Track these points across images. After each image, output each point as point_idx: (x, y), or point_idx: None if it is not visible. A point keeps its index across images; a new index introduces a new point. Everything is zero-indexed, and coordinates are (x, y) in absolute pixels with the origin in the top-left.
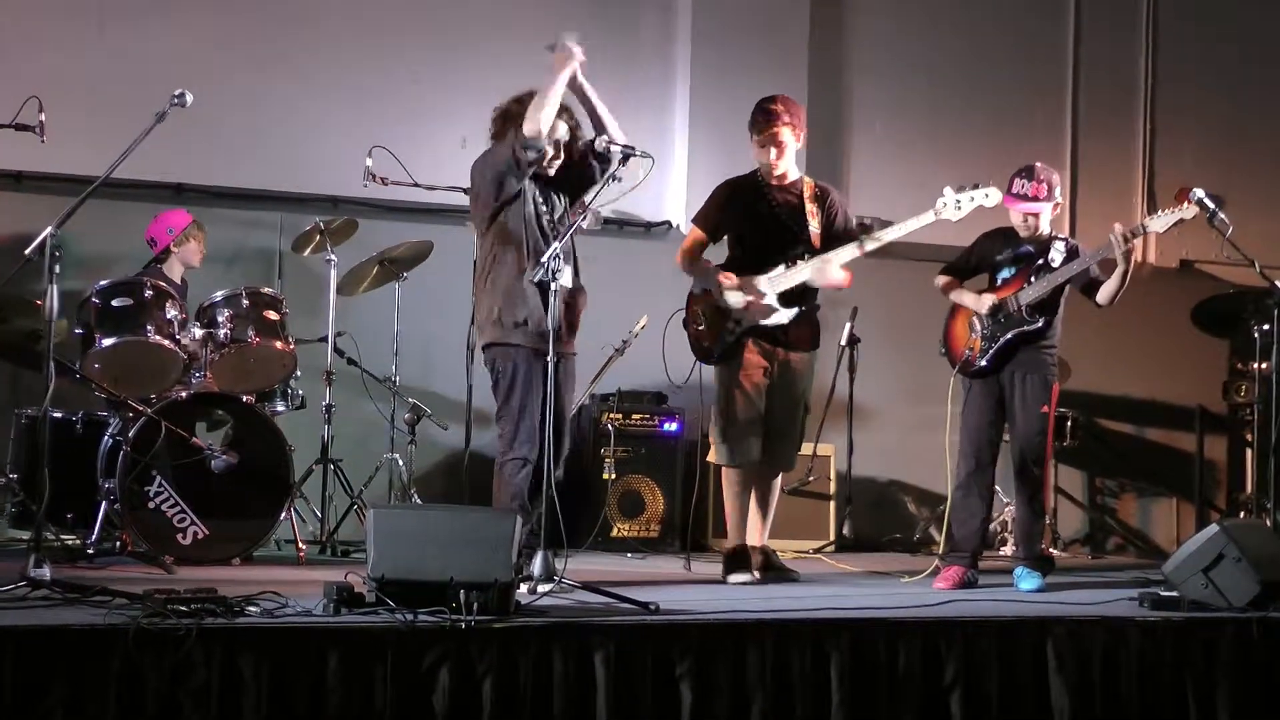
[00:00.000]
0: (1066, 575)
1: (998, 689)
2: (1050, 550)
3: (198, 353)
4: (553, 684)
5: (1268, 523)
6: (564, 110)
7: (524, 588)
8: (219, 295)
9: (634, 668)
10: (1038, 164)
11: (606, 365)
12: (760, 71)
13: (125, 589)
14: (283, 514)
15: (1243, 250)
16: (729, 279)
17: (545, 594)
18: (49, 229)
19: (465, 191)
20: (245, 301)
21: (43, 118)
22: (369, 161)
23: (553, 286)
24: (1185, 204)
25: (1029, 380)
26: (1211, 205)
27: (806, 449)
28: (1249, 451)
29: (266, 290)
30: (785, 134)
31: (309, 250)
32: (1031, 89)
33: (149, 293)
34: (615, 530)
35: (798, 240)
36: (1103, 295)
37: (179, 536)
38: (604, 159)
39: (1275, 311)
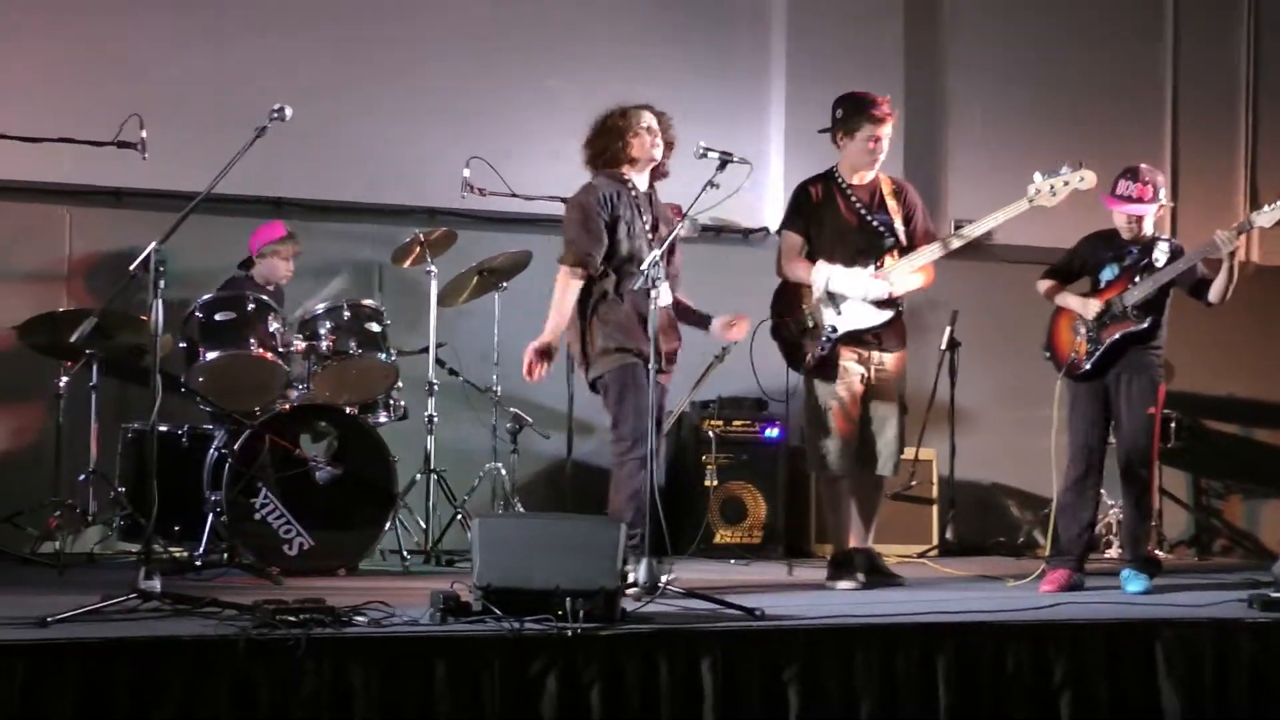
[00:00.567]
0: (1173, 577)
1: (1107, 692)
2: (1156, 552)
3: (300, 365)
4: (659, 691)
5: None
6: (644, 105)
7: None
8: (320, 308)
9: (740, 673)
10: (1142, 165)
11: (707, 372)
12: (856, 73)
13: (234, 600)
14: (387, 524)
15: None
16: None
17: (651, 600)
18: (153, 244)
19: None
20: (347, 314)
21: (144, 134)
22: (466, 173)
23: (653, 294)
24: None
25: (1135, 382)
26: None
27: (908, 453)
28: None
29: (367, 302)
30: (889, 129)
31: (409, 262)
32: (1131, 86)
33: (251, 306)
34: (718, 537)
35: (883, 240)
36: (1214, 294)
37: (285, 548)
38: None
39: None
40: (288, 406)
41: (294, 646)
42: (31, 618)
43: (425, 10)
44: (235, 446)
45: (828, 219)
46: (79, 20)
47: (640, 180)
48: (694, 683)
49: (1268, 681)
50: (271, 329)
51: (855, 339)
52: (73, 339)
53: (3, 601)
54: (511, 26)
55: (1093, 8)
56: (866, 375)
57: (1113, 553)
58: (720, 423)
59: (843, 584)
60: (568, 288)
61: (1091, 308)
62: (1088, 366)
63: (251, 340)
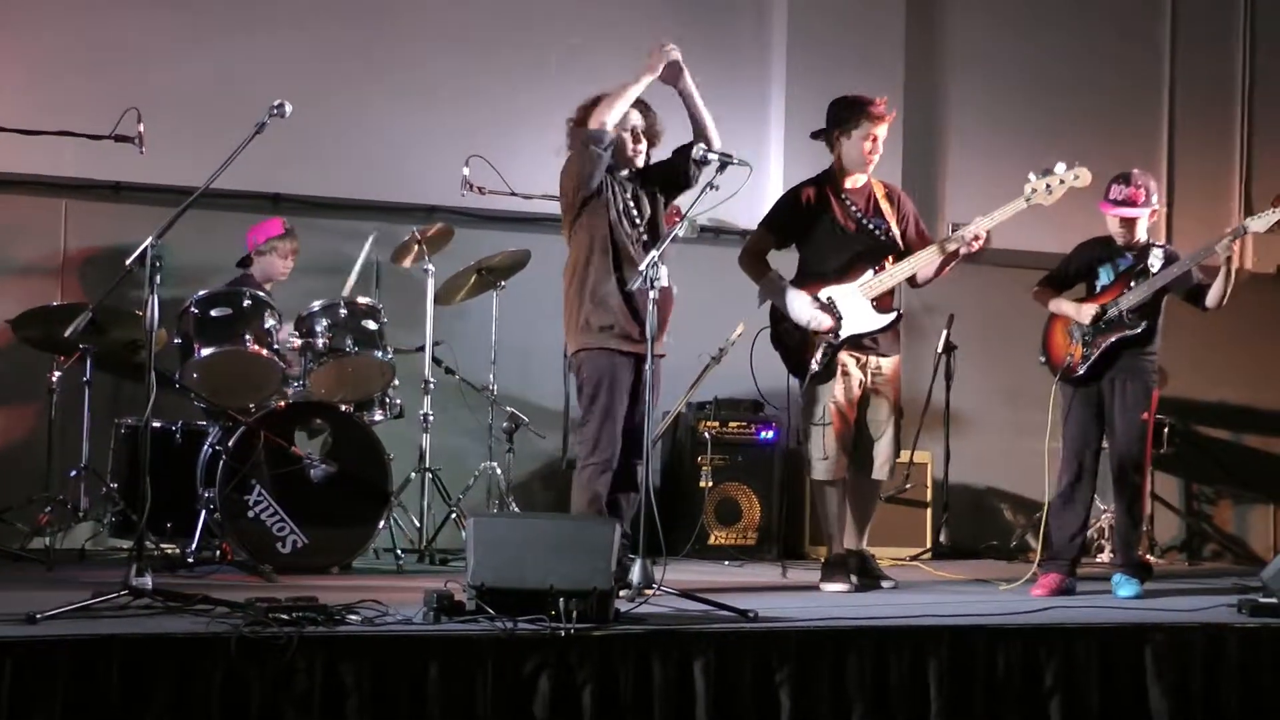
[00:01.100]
0: (1163, 582)
1: (1097, 696)
2: (1148, 557)
3: (296, 363)
4: (652, 691)
5: None
6: (637, 101)
7: (623, 595)
8: (317, 305)
9: (733, 675)
10: (1135, 170)
11: (703, 374)
12: (856, 76)
13: (226, 598)
14: (381, 523)
15: None
16: (808, 307)
17: (644, 601)
18: (149, 239)
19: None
20: (343, 311)
21: (141, 129)
22: (466, 171)
23: (651, 294)
24: None
25: (1129, 387)
26: None
27: (903, 456)
28: None
29: (364, 300)
30: (885, 129)
31: (407, 260)
32: (1128, 90)
33: (247, 303)
34: (712, 538)
35: (880, 245)
36: (1211, 299)
37: (279, 545)
38: (700, 165)
39: None
40: (283, 404)
41: (286, 645)
42: (21, 614)
43: (426, 7)
44: (229, 443)
45: (822, 224)
46: (78, 14)
47: (623, 171)
48: (687, 684)
49: (1256, 686)
50: (267, 325)
51: (854, 343)
52: (66, 334)
53: None
54: (511, 24)
55: (1090, 14)
56: (864, 379)
57: (1104, 557)
58: (716, 424)
59: (835, 586)
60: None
61: (1086, 313)
62: (1082, 371)
63: (247, 337)
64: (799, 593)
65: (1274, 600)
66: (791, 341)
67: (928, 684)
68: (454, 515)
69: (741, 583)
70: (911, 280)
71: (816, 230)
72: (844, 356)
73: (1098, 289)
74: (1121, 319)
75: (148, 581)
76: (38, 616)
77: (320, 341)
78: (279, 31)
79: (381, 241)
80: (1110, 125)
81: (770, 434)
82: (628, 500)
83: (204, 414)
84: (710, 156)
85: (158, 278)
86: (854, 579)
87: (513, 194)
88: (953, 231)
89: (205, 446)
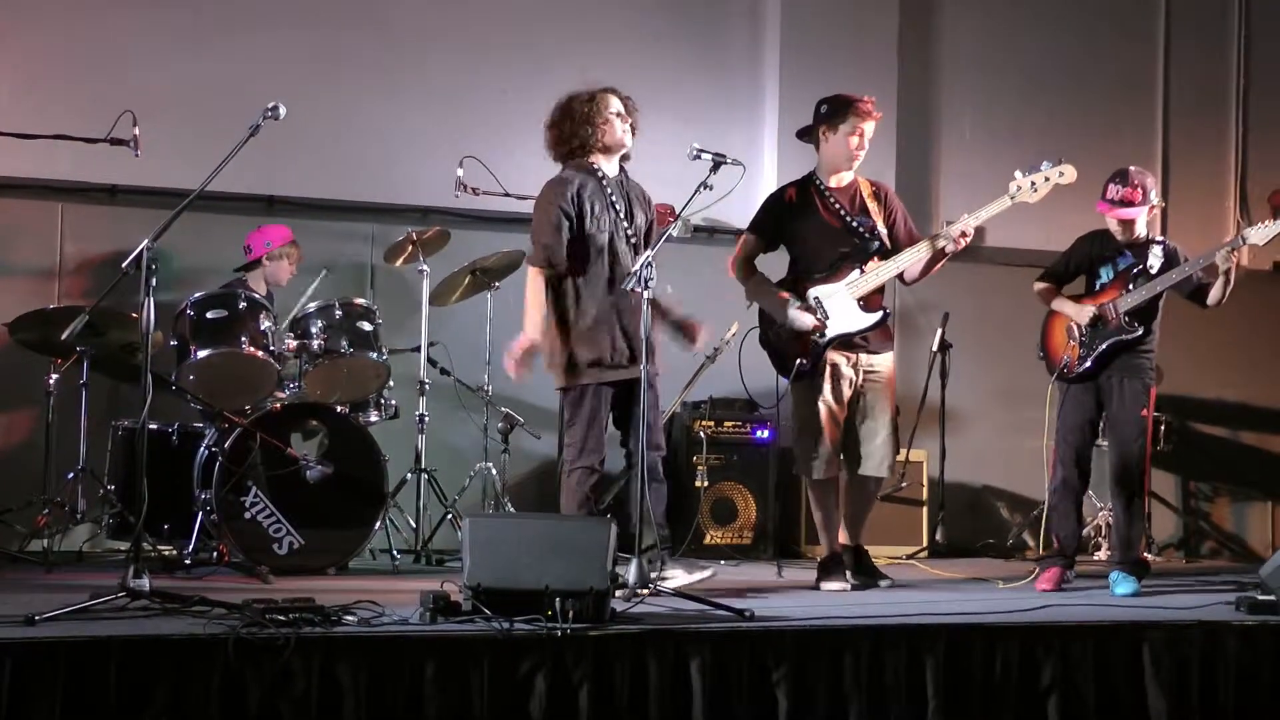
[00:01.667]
0: (1161, 580)
1: (1094, 694)
2: (1145, 555)
3: (291, 364)
4: (648, 691)
5: None
6: (609, 89)
7: (619, 594)
8: (312, 306)
9: (729, 674)
10: (1131, 168)
11: (698, 373)
12: (849, 77)
13: (223, 599)
14: (377, 524)
15: None
16: (793, 306)
17: (640, 601)
18: (145, 242)
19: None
20: (338, 312)
21: (137, 132)
22: (460, 172)
23: (645, 295)
24: None
25: (1127, 385)
26: None
27: (899, 455)
28: None
29: (359, 301)
30: (872, 127)
31: (401, 261)
32: (1122, 91)
33: (243, 304)
34: (708, 537)
35: (866, 243)
36: (1211, 299)
37: (275, 547)
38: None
39: None
40: (278, 405)
41: (283, 646)
42: (19, 616)
43: (419, 9)
44: (226, 445)
45: (808, 223)
46: (72, 17)
47: (609, 167)
48: (683, 683)
49: (1254, 683)
50: (263, 327)
51: (844, 343)
52: (63, 336)
53: None
54: (504, 26)
55: (1085, 12)
56: (855, 378)
57: (1101, 555)
58: (711, 424)
59: (832, 585)
60: (539, 286)
61: (1085, 313)
62: (1081, 369)
63: (243, 338)
64: (795, 592)
65: (1272, 598)
66: (779, 342)
67: (924, 683)
68: (450, 516)
69: (738, 582)
70: (901, 278)
71: (802, 230)
72: (834, 356)
73: (1097, 287)
74: (1119, 322)
75: (145, 583)
76: (36, 618)
77: (315, 343)
78: (273, 34)
79: (376, 241)
80: (1105, 123)
81: (766, 433)
82: (655, 493)
83: (200, 415)
84: (704, 156)
85: (154, 280)
86: (850, 578)
87: (507, 195)
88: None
89: (202, 448)
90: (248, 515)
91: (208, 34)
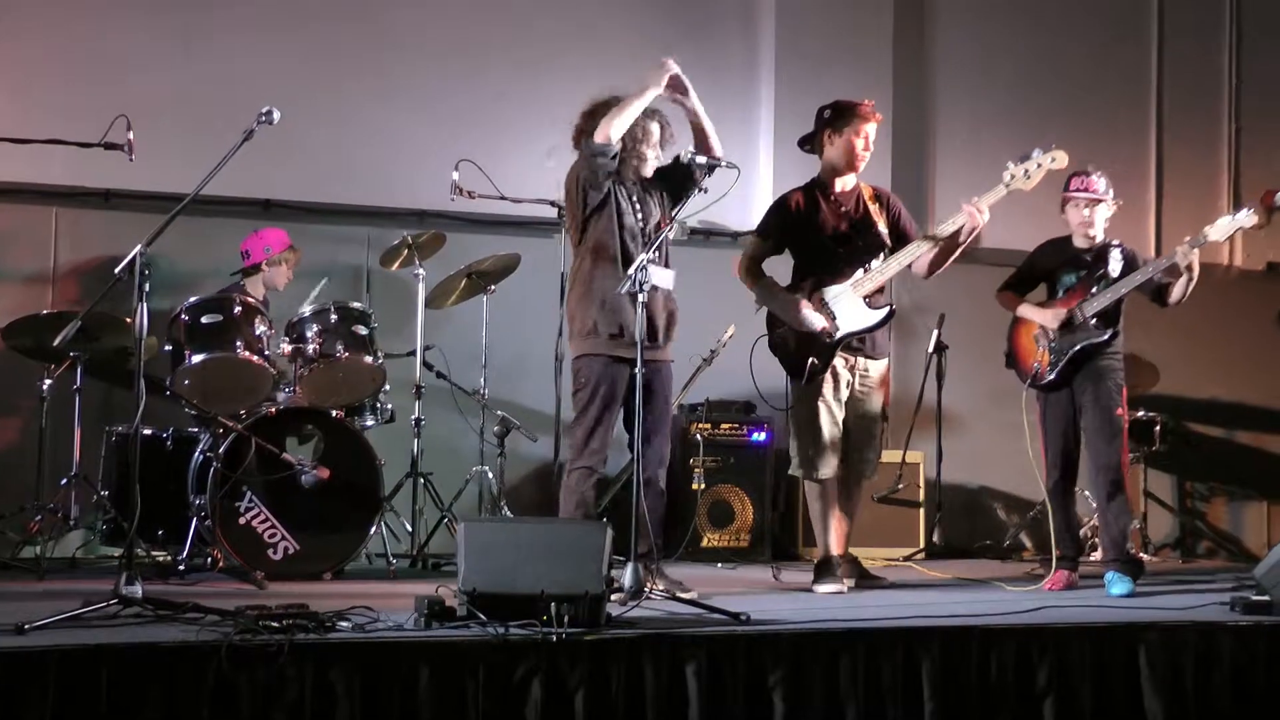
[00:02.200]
0: (1157, 580)
1: (1090, 695)
2: (1140, 554)
3: (286, 368)
4: (645, 695)
5: None
6: (654, 113)
7: (615, 599)
8: (307, 310)
9: (725, 678)
10: (1089, 165)
11: (695, 375)
12: (845, 79)
13: (217, 605)
14: (373, 528)
15: None
16: (805, 306)
17: (636, 605)
18: (139, 247)
19: (557, 204)
20: (334, 316)
21: (131, 136)
22: (456, 175)
23: (640, 297)
24: (1246, 210)
25: (1100, 387)
26: None
27: (895, 456)
28: None
29: (355, 305)
30: (874, 128)
31: (397, 265)
32: (1115, 92)
33: (238, 309)
34: (705, 540)
35: (870, 243)
36: (1172, 298)
37: (270, 552)
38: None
39: None
40: (274, 409)
41: (277, 652)
42: (10, 624)
43: (414, 12)
44: (220, 450)
45: (814, 227)
46: (66, 21)
47: (638, 170)
48: (679, 687)
49: (1249, 684)
50: (258, 332)
51: (845, 345)
52: (56, 342)
53: None
54: (500, 29)
55: (1078, 12)
56: (851, 381)
57: (1097, 556)
58: (708, 426)
59: (828, 588)
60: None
61: (1053, 317)
62: (1052, 377)
63: (238, 343)
64: (792, 595)
65: (1267, 598)
66: (789, 345)
67: (921, 685)
68: (446, 520)
69: (735, 585)
70: (911, 270)
71: (808, 234)
72: (834, 358)
73: (1060, 293)
74: (1086, 325)
75: (138, 590)
76: (26, 627)
77: (311, 347)
78: (268, 37)
79: (372, 245)
80: (1099, 123)
81: (762, 436)
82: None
83: (195, 420)
84: (699, 159)
85: (147, 285)
86: (847, 580)
87: (502, 198)
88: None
89: (196, 453)
90: (242, 520)
91: (202, 38)
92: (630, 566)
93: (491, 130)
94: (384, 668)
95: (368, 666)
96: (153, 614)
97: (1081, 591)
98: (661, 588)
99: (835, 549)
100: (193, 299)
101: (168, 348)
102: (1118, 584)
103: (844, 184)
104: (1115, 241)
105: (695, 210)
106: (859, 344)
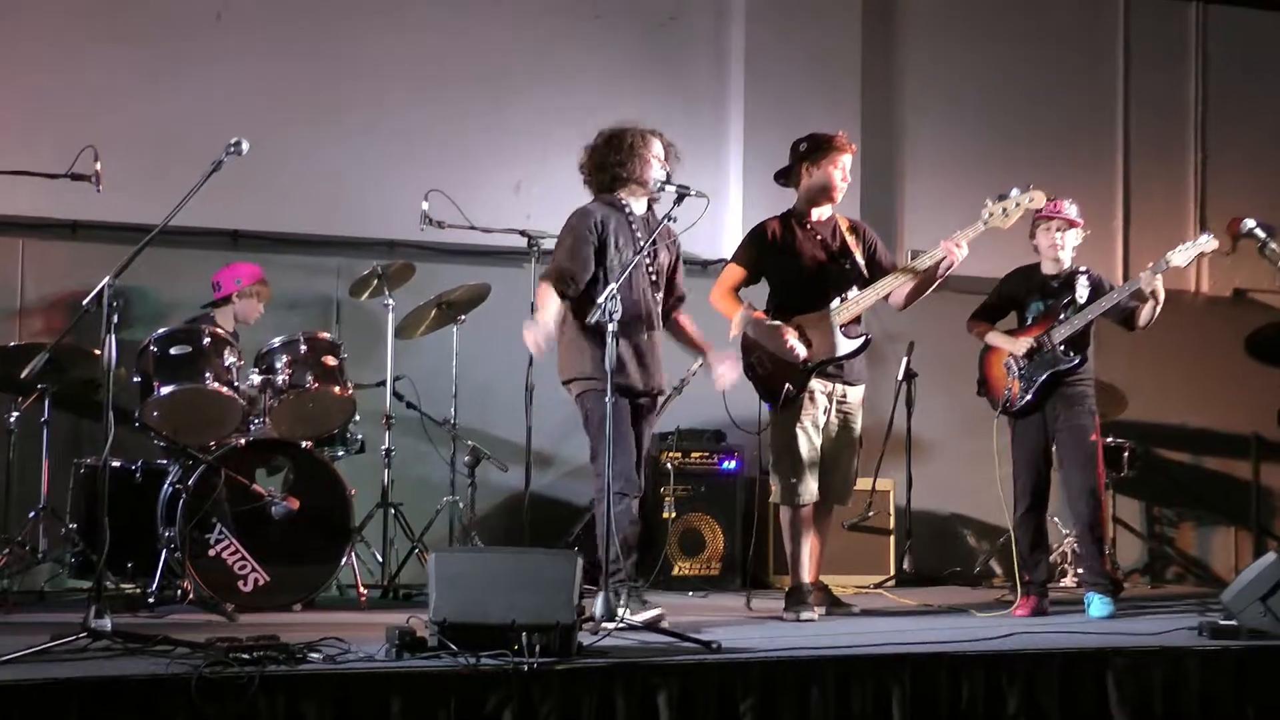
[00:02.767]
0: (1126, 605)
1: None
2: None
3: (256, 399)
4: None
5: None
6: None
7: (586, 628)
8: (277, 341)
9: (697, 707)
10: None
11: (665, 404)
12: (813, 109)
13: (187, 638)
14: (344, 559)
15: None
16: (790, 333)
17: (607, 634)
18: (107, 279)
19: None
20: (303, 347)
21: (98, 167)
22: (425, 205)
23: (610, 327)
24: (1205, 235)
25: (1072, 414)
26: (1263, 234)
27: (865, 484)
28: None
29: (324, 335)
30: (850, 160)
31: (366, 295)
32: (1082, 122)
33: (207, 340)
34: (676, 569)
35: (846, 273)
36: (1140, 322)
37: (240, 584)
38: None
39: None
40: (243, 441)
41: (247, 684)
42: None
43: (383, 43)
44: (190, 481)
45: (791, 257)
46: (32, 53)
47: (638, 205)
48: (650, 716)
49: (1217, 708)
50: (227, 363)
51: (822, 371)
52: (24, 374)
53: None
54: (469, 60)
55: (1043, 38)
56: (829, 407)
57: (1068, 581)
58: (679, 455)
59: (800, 615)
60: (548, 299)
61: (1020, 345)
62: (1023, 403)
63: (207, 374)
64: (763, 623)
65: (1234, 623)
66: (764, 371)
67: (891, 713)
68: (417, 550)
69: (706, 614)
70: (888, 302)
71: (785, 263)
72: (812, 384)
73: (1029, 320)
74: (1055, 353)
75: (107, 623)
76: None
77: (280, 378)
78: (236, 68)
79: (341, 276)
80: (1066, 148)
81: (733, 464)
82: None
83: (164, 452)
84: (668, 188)
85: (115, 317)
86: (818, 608)
87: (472, 228)
88: (912, 258)
89: (166, 485)
90: (212, 552)
91: (169, 70)
92: (601, 595)
93: (461, 161)
94: (355, 699)
95: (339, 698)
96: (122, 647)
97: (1051, 618)
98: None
99: (807, 576)
100: (161, 330)
101: (136, 379)
102: (1099, 606)
103: (820, 214)
104: (1083, 268)
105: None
106: (837, 370)
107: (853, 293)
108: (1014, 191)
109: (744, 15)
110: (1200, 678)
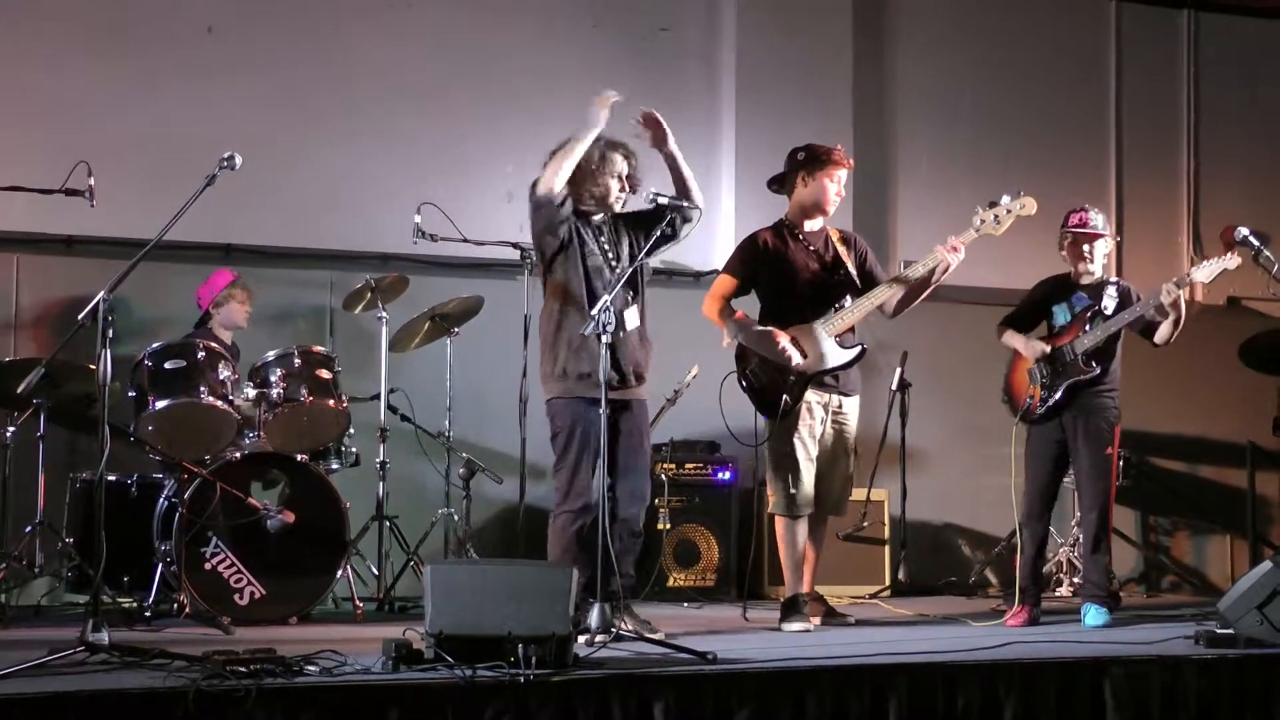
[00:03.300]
0: (1122, 614)
1: None
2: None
3: (251, 413)
4: None
5: None
6: (620, 146)
7: (581, 640)
8: (271, 355)
9: (693, 718)
10: (1085, 204)
11: (659, 415)
12: (805, 119)
13: (183, 651)
14: (339, 572)
15: None
16: (783, 337)
17: (603, 646)
18: (102, 293)
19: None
20: (297, 361)
21: (92, 182)
22: (418, 218)
23: (603, 339)
24: (1229, 254)
25: (1090, 424)
26: (1256, 243)
27: (859, 494)
28: None
29: (318, 349)
30: (845, 174)
31: (360, 308)
32: (1075, 129)
33: (201, 354)
34: (671, 580)
35: (839, 283)
36: (1159, 337)
37: (236, 597)
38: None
39: None
40: (238, 454)
41: (244, 697)
42: None
43: (375, 56)
44: (185, 495)
45: (784, 267)
46: (25, 68)
47: (599, 216)
48: None
49: (1213, 717)
50: (222, 377)
51: (817, 382)
52: (20, 389)
53: None
54: (461, 73)
55: (1036, 51)
56: (825, 418)
57: (1063, 590)
58: (673, 466)
59: (795, 626)
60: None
61: (1034, 349)
62: (1042, 411)
63: (202, 388)
64: (759, 634)
65: (1231, 631)
66: (759, 381)
67: None
68: (412, 563)
69: (701, 625)
70: (883, 311)
71: (778, 272)
72: (808, 394)
73: (1056, 328)
74: (1077, 362)
75: (104, 636)
76: None
77: (275, 391)
78: (229, 83)
79: (335, 289)
80: (1059, 160)
81: (727, 475)
82: (629, 545)
83: (159, 466)
84: (661, 200)
85: (110, 331)
86: (813, 618)
87: (465, 240)
88: (904, 268)
89: (161, 499)
90: (208, 566)
91: (163, 84)
92: (597, 607)
93: (453, 173)
94: (352, 711)
95: (336, 710)
96: (120, 660)
97: (1046, 627)
98: (630, 627)
99: (803, 587)
100: (156, 345)
101: (131, 394)
102: (1095, 615)
103: (812, 225)
104: (1112, 279)
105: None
106: (833, 381)
107: (846, 303)
108: (1005, 199)
109: (735, 27)
110: (1198, 686)
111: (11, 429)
